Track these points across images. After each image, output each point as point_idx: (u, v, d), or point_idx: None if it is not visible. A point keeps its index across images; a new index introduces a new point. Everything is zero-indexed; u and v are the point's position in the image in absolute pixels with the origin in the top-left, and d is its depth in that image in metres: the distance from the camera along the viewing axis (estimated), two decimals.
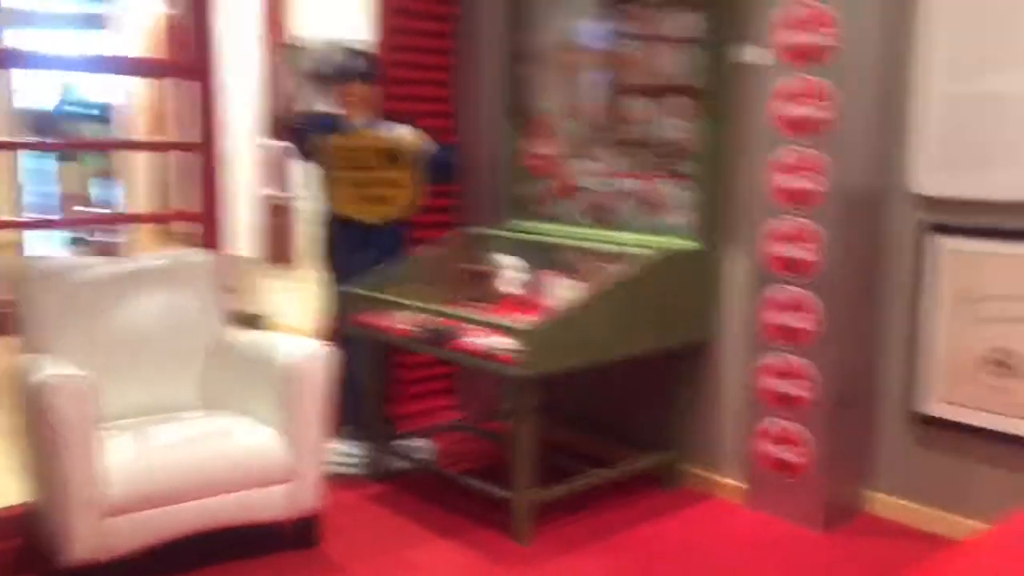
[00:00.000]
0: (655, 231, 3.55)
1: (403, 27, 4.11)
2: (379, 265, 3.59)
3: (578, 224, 3.84)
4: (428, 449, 3.89)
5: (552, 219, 3.94)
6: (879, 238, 3.25)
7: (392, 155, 3.68)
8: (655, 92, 3.60)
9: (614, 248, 3.46)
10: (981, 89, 2.96)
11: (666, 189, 3.56)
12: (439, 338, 3.18)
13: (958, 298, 3.06)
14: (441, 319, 3.24)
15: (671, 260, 3.35)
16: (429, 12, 4.24)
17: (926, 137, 3.09)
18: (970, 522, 3.01)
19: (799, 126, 3.13)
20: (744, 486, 3.45)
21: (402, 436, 3.88)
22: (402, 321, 3.35)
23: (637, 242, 3.47)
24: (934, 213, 3.12)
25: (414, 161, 3.71)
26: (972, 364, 3.05)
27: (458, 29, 4.33)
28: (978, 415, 3.04)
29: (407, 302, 3.37)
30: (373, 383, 3.65)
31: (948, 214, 3.08)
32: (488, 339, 3.06)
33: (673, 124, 3.54)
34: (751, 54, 3.29)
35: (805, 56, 3.09)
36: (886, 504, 3.34)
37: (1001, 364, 2.98)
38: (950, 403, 3.11)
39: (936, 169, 3.08)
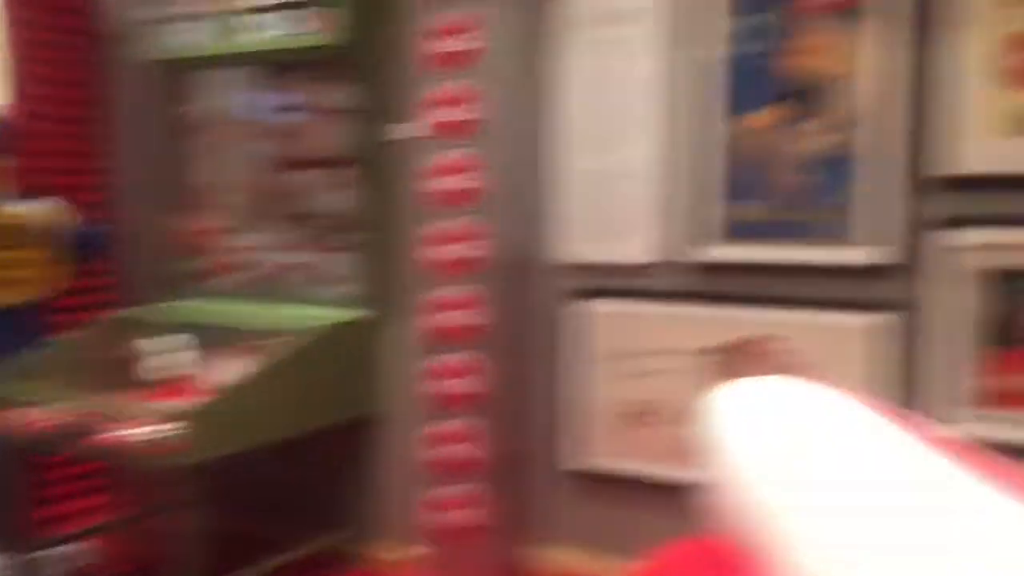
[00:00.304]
0: (322, 304, 3.49)
1: (42, 95, 3.79)
2: (9, 355, 3.22)
3: (242, 300, 3.69)
4: (82, 554, 3.52)
5: (214, 296, 3.76)
6: (536, 303, 3.40)
7: (20, 232, 3.35)
8: (318, 164, 3.58)
9: (280, 323, 3.35)
10: (603, 165, 3.21)
11: (332, 261, 3.53)
12: (78, 434, 2.89)
13: (604, 356, 3.26)
14: (83, 412, 2.95)
15: (338, 333, 3.30)
16: (74, 79, 3.94)
17: (567, 207, 3.30)
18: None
19: (454, 197, 3.22)
20: (423, 557, 3.43)
21: (52, 542, 3.47)
22: (38, 417, 3.01)
23: (304, 316, 3.39)
24: (578, 278, 3.31)
25: (50, 239, 3.39)
26: (619, 417, 3.24)
27: (110, 98, 4.06)
28: (629, 464, 3.23)
29: (41, 396, 3.04)
30: (10, 487, 3.24)
31: (590, 279, 3.28)
32: (137, 429, 2.83)
33: (337, 196, 3.53)
34: (405, 128, 3.36)
35: (455, 130, 3.20)
36: (557, 558, 3.44)
37: (643, 415, 3.20)
38: (605, 455, 3.29)
39: (576, 237, 3.28)
